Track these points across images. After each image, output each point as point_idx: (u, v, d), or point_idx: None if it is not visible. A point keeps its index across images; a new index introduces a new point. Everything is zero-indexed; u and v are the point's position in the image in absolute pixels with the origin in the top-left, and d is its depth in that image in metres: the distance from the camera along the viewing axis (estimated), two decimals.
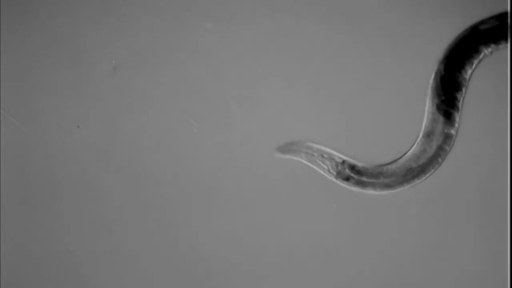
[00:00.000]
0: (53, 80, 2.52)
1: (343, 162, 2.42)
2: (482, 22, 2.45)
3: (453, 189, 2.47)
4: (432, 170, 2.44)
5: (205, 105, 2.52)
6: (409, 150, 2.44)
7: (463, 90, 2.43)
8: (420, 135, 2.44)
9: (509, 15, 2.46)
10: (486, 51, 2.43)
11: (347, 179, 2.43)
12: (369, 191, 2.45)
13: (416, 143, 2.44)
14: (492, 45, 2.43)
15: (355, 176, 2.44)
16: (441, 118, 2.42)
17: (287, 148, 2.43)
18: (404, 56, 2.51)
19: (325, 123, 2.52)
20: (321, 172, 2.43)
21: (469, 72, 2.43)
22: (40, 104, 2.51)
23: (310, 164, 2.43)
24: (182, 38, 2.53)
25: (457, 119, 2.43)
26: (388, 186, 2.44)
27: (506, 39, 2.43)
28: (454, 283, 2.49)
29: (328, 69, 2.53)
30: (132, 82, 2.52)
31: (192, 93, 2.52)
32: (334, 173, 2.44)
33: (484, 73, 2.46)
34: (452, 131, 2.43)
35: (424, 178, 2.44)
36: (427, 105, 2.43)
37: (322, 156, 2.43)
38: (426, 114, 2.43)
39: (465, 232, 2.48)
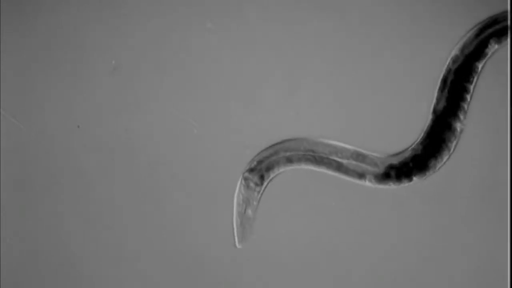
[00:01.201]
0: (53, 80, 2.52)
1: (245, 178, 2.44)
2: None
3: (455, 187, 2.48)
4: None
5: (205, 105, 2.52)
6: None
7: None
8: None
9: (509, 15, 2.46)
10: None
11: (261, 177, 2.44)
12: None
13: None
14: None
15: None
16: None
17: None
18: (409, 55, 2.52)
19: (324, 123, 2.52)
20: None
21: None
22: (40, 104, 2.51)
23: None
24: (182, 38, 2.53)
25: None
26: None
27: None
28: (455, 283, 2.49)
29: (328, 70, 2.53)
30: (132, 82, 2.52)
31: (192, 93, 2.52)
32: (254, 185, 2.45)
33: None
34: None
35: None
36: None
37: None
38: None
39: (464, 231, 2.49)
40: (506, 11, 2.44)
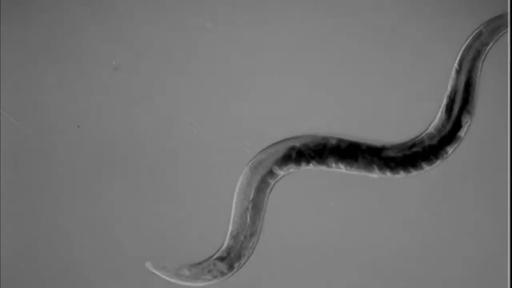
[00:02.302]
0: (53, 80, 2.52)
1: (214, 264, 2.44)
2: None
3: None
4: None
5: (205, 105, 2.52)
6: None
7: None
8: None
9: (509, 15, 2.47)
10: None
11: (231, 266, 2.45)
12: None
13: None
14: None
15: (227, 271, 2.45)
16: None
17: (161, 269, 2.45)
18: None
19: (323, 123, 2.52)
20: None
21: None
22: (40, 104, 2.51)
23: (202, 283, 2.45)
24: (182, 38, 2.53)
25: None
26: None
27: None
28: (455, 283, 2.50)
29: (328, 70, 2.53)
30: (132, 82, 2.52)
31: (192, 93, 2.52)
32: (220, 276, 2.45)
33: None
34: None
35: None
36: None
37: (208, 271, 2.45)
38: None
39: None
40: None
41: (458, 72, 2.45)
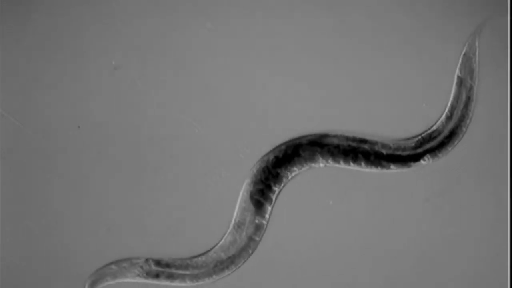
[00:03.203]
0: (53, 80, 2.52)
1: (147, 260, 2.43)
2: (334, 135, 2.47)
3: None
4: (243, 261, 2.45)
5: (205, 105, 2.52)
6: (219, 241, 2.46)
7: (282, 184, 2.45)
8: (231, 226, 2.45)
9: (509, 15, 2.46)
10: (321, 163, 2.46)
11: (157, 275, 2.44)
12: (180, 284, 2.46)
13: (227, 233, 2.45)
14: (330, 160, 2.46)
15: (165, 270, 2.44)
16: (252, 208, 2.44)
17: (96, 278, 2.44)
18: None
19: (324, 123, 2.52)
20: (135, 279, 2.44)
21: (293, 173, 2.46)
22: (40, 104, 2.51)
23: (122, 279, 2.44)
24: (182, 38, 2.53)
25: (268, 209, 2.45)
26: (197, 277, 2.44)
27: (347, 162, 2.46)
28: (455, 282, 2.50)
29: (328, 70, 2.53)
30: (132, 82, 2.52)
31: (193, 93, 2.52)
32: (144, 274, 2.44)
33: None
34: (263, 221, 2.45)
35: (234, 269, 2.45)
36: (240, 195, 2.45)
37: (129, 265, 2.44)
38: (238, 203, 2.44)
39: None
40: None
41: (449, 118, 2.48)
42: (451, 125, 2.49)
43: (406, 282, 2.50)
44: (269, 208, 2.45)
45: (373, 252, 2.49)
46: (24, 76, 2.51)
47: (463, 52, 2.48)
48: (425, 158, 2.46)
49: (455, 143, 2.49)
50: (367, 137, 2.49)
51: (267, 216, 2.45)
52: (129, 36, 2.53)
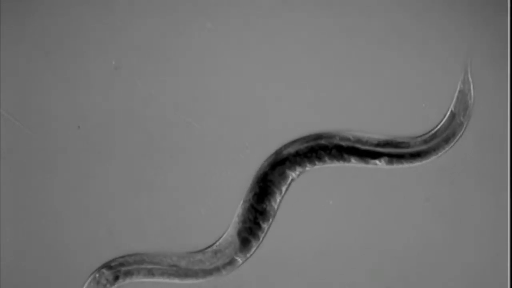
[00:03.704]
0: (53, 80, 2.52)
1: (99, 271, 2.44)
2: (285, 146, 2.47)
3: None
4: (195, 279, 2.46)
5: (205, 105, 2.52)
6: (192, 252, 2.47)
7: (270, 220, 2.45)
8: (210, 249, 2.47)
9: (509, 15, 2.47)
10: (293, 174, 2.44)
11: (116, 278, 2.45)
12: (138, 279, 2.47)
13: (204, 251, 2.47)
14: (299, 168, 2.45)
15: (120, 269, 2.45)
16: (237, 244, 2.45)
17: None
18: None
19: (324, 123, 2.52)
20: None
21: (278, 200, 2.46)
22: (40, 104, 2.51)
23: None
24: (182, 38, 2.53)
25: (253, 248, 2.46)
26: (151, 272, 2.46)
27: (313, 163, 2.45)
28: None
29: (328, 71, 2.53)
30: (132, 82, 2.52)
31: (192, 93, 2.52)
32: (108, 285, 2.44)
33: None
34: (240, 259, 2.46)
35: (182, 280, 2.47)
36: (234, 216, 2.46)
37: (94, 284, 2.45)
38: (228, 230, 2.46)
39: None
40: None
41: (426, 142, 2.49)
42: (421, 148, 2.49)
43: (406, 282, 2.50)
44: (255, 246, 2.45)
45: (373, 254, 2.50)
46: (24, 76, 2.51)
47: (457, 90, 2.49)
48: (381, 160, 2.46)
49: (413, 163, 2.48)
50: (324, 132, 2.49)
51: (248, 255, 2.45)
52: (129, 36, 2.53)
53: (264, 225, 2.44)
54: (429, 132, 2.49)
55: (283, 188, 2.45)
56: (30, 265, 2.49)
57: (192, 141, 2.50)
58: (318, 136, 2.47)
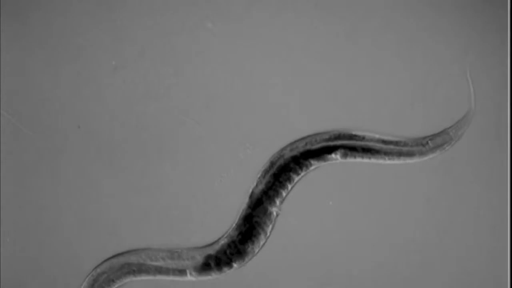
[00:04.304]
0: (54, 80, 2.52)
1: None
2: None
3: None
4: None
5: (205, 105, 2.52)
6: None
7: (245, 261, 2.45)
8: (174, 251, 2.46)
9: (509, 15, 2.47)
10: (275, 209, 2.46)
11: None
12: None
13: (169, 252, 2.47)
14: (277, 200, 2.46)
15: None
16: (199, 264, 2.45)
17: None
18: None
19: (324, 123, 2.52)
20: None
21: (261, 243, 2.46)
22: (40, 104, 2.51)
23: None
24: (182, 38, 2.53)
25: (210, 276, 2.45)
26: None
27: (285, 187, 2.46)
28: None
29: (328, 71, 2.53)
30: (132, 82, 2.52)
31: (192, 93, 2.52)
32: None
33: None
34: (192, 277, 2.45)
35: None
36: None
37: None
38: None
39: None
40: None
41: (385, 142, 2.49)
42: (382, 147, 2.48)
43: (406, 282, 2.50)
44: (212, 276, 2.44)
45: (371, 256, 2.50)
46: (24, 76, 2.51)
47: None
48: (337, 152, 2.45)
49: (363, 157, 2.47)
50: (274, 157, 2.48)
51: (199, 278, 2.44)
52: (129, 36, 2.53)
53: (235, 265, 2.43)
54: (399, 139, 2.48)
55: (268, 229, 2.44)
56: (30, 265, 2.49)
57: (192, 141, 2.50)
58: (272, 163, 2.47)
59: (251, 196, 2.44)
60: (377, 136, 2.47)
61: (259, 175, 2.45)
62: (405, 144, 2.46)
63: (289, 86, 2.52)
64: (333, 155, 2.44)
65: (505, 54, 2.48)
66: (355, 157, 2.46)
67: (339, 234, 2.49)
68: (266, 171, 2.45)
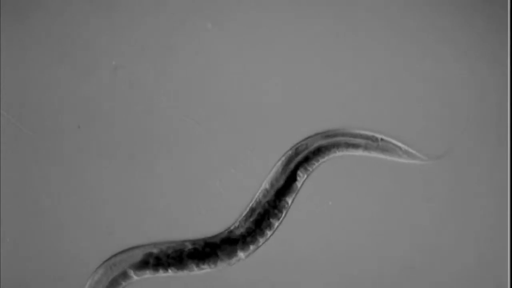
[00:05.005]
0: (54, 80, 2.52)
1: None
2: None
3: None
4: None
5: (205, 105, 2.52)
6: None
7: (177, 271, 2.45)
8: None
9: (509, 15, 2.47)
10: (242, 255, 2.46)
11: None
12: None
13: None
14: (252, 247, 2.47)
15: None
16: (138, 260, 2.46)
17: None
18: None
19: (324, 123, 2.52)
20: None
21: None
22: (40, 104, 2.51)
23: None
24: (182, 38, 2.53)
25: (145, 275, 2.46)
26: None
27: (264, 234, 2.46)
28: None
29: (329, 71, 2.54)
30: (132, 82, 2.52)
31: (193, 93, 2.52)
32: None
33: None
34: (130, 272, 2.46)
35: None
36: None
37: None
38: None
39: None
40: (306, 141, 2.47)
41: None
42: (329, 142, 2.48)
43: (405, 281, 2.50)
44: (148, 274, 2.45)
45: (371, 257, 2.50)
46: (24, 76, 2.51)
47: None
48: (299, 173, 2.46)
49: (318, 160, 2.48)
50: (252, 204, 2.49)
51: (138, 275, 2.45)
52: (129, 36, 2.53)
53: (170, 271, 2.44)
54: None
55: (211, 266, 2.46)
56: (30, 265, 2.49)
57: (193, 141, 2.51)
58: (252, 209, 2.47)
59: (228, 232, 2.47)
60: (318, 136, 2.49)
61: (239, 220, 2.48)
62: (354, 135, 2.48)
63: (289, 86, 2.52)
64: (298, 179, 2.45)
65: (505, 54, 2.49)
66: (313, 165, 2.47)
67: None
68: (248, 216, 2.47)
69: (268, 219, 2.45)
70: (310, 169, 2.47)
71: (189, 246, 2.45)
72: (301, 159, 2.47)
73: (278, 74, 2.53)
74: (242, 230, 2.45)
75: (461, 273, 2.50)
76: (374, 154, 2.48)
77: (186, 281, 2.47)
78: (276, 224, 2.45)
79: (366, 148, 2.47)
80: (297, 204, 2.50)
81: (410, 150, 2.47)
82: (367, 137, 2.47)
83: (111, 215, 2.49)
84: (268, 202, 2.44)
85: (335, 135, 2.47)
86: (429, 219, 2.50)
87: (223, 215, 2.49)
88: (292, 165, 2.46)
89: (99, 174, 2.50)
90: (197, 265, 2.45)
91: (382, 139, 2.47)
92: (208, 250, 2.44)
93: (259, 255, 2.49)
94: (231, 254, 2.44)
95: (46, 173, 2.50)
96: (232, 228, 2.45)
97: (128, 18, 2.53)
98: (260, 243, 2.45)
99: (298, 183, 2.46)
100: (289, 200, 2.46)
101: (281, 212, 2.45)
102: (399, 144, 2.47)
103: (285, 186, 2.46)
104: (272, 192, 2.45)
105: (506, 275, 2.47)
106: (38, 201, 2.49)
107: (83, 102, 2.51)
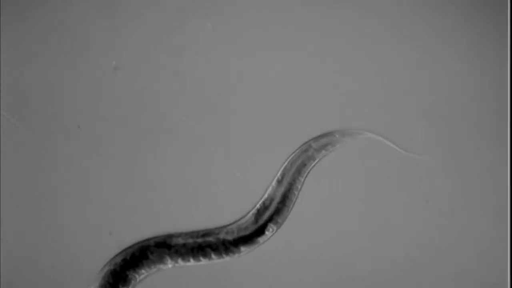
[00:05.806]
0: (54, 80, 2.52)
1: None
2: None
3: None
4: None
5: (205, 105, 2.52)
6: None
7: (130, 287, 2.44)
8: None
9: (509, 15, 2.47)
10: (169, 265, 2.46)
11: None
12: None
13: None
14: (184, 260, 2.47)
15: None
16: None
17: None
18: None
19: (324, 123, 2.52)
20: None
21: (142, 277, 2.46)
22: (40, 104, 2.51)
23: None
24: (182, 38, 2.53)
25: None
26: None
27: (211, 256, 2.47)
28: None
29: (329, 71, 2.54)
30: (132, 82, 2.52)
31: (193, 93, 2.52)
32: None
33: None
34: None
35: None
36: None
37: None
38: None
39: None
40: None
41: (280, 182, 2.46)
42: (281, 190, 2.48)
43: (405, 281, 2.50)
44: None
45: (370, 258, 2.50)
46: (24, 76, 2.52)
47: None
48: (269, 228, 2.45)
49: (290, 206, 2.48)
50: (210, 229, 2.48)
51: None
52: (129, 36, 2.53)
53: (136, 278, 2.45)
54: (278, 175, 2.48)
55: (152, 269, 2.45)
56: (30, 265, 2.49)
57: (193, 141, 2.51)
58: (207, 234, 2.48)
59: (168, 237, 2.48)
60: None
61: (183, 233, 2.48)
62: (298, 157, 2.48)
63: (289, 86, 2.53)
64: (267, 232, 2.46)
65: (505, 54, 2.49)
66: (288, 208, 2.47)
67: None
68: (193, 236, 2.46)
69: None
70: (286, 211, 2.47)
71: (118, 260, 2.46)
72: (273, 213, 2.47)
73: (278, 74, 2.53)
74: (183, 239, 2.46)
75: (461, 273, 2.50)
76: (320, 156, 2.48)
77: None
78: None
79: (310, 158, 2.46)
80: (297, 204, 2.50)
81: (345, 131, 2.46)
82: (302, 152, 2.47)
83: (111, 215, 2.50)
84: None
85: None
86: (429, 219, 2.50)
87: (223, 215, 2.50)
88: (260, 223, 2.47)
89: (99, 174, 2.50)
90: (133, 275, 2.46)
91: (310, 146, 2.47)
92: (138, 254, 2.45)
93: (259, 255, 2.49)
94: (161, 259, 2.45)
95: (46, 173, 2.50)
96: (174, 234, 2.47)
97: (127, 19, 2.54)
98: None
99: (267, 234, 2.47)
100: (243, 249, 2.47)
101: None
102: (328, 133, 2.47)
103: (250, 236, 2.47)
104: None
105: (506, 275, 2.47)
106: (38, 201, 2.49)
107: (83, 102, 2.52)
